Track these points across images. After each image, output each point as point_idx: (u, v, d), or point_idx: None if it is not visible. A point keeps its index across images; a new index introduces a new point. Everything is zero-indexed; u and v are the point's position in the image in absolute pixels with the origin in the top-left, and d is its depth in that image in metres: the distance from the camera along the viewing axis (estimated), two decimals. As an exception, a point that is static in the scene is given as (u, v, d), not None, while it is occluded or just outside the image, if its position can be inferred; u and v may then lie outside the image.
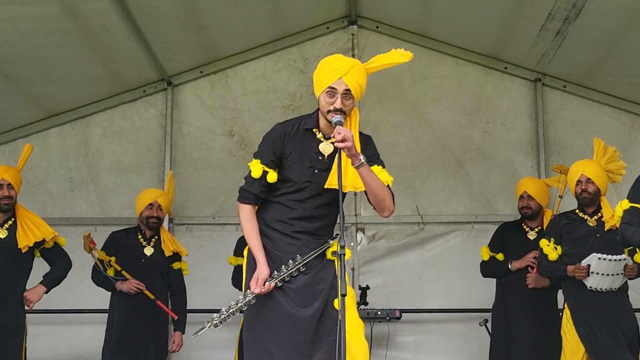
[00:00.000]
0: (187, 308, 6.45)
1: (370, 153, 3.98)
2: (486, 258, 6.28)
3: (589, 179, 5.58)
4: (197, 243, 7.30)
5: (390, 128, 7.49)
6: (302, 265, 3.89)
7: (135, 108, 7.59)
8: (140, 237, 6.22)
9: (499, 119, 7.53)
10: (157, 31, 6.64)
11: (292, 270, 3.87)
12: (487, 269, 6.31)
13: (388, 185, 3.91)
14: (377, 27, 7.53)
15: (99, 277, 6.16)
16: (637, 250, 5.47)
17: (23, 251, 5.47)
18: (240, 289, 6.29)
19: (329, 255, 3.95)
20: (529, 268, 6.00)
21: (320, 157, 3.91)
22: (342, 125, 3.75)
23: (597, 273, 5.33)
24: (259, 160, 3.95)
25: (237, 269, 6.34)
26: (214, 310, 6.71)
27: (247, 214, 3.99)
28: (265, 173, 3.92)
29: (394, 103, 7.55)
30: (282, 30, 7.43)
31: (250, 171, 3.96)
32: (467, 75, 7.57)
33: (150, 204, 6.19)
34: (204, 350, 7.02)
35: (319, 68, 3.92)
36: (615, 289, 5.39)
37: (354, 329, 3.84)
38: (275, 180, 3.93)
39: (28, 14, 5.73)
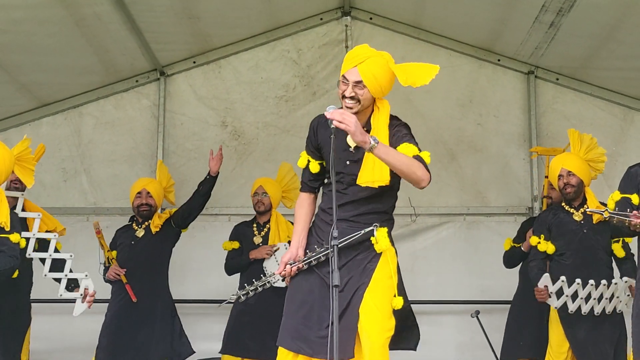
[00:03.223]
0: (181, 298, 6.47)
1: (400, 134, 3.96)
2: (507, 248, 6.32)
3: (569, 171, 5.59)
4: (189, 233, 7.26)
5: (384, 119, 7.47)
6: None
7: (128, 98, 7.57)
8: (134, 224, 6.31)
9: (492, 111, 7.53)
10: (150, 21, 6.62)
11: (317, 256, 3.90)
12: (506, 257, 6.34)
13: (419, 157, 3.85)
14: (371, 18, 7.52)
15: (104, 275, 6.23)
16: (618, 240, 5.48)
17: None
18: (232, 274, 6.34)
19: (376, 247, 3.95)
20: None
21: (349, 149, 3.95)
22: (345, 115, 3.77)
23: (568, 295, 5.30)
24: (305, 151, 4.10)
25: (230, 254, 6.36)
26: (206, 301, 6.78)
27: (299, 201, 4.17)
28: (309, 162, 4.07)
29: (387, 95, 7.53)
30: (276, 20, 7.42)
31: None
32: (460, 68, 7.57)
33: (139, 193, 6.29)
34: (196, 341, 7.01)
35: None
36: (609, 312, 5.36)
37: (373, 318, 3.85)
38: (317, 170, 4.06)
39: (21, 1, 5.71)
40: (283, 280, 4.05)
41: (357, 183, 3.88)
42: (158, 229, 6.24)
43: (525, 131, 7.45)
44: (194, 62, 7.56)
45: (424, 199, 7.39)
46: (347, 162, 3.93)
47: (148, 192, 6.27)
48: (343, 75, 3.87)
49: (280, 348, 3.94)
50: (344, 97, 3.87)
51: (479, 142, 7.49)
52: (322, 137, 4.00)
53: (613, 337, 5.41)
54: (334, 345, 3.48)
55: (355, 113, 3.86)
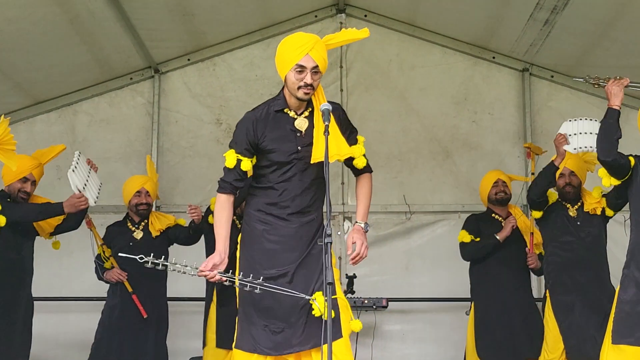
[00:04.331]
0: (174, 296, 6.44)
1: (350, 129, 4.09)
2: (468, 240, 6.23)
3: (572, 172, 5.62)
4: (184, 231, 7.30)
5: (378, 117, 7.49)
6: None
7: (122, 96, 7.56)
8: (129, 224, 6.20)
9: (487, 108, 7.54)
10: (144, 18, 6.62)
11: (244, 283, 3.86)
12: (472, 248, 6.22)
13: (368, 166, 4.16)
14: (366, 15, 7.52)
15: (98, 272, 6.14)
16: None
17: None
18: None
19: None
20: (526, 250, 6.02)
21: (298, 134, 3.97)
22: (329, 112, 3.79)
23: (575, 134, 5.43)
24: (234, 150, 4.01)
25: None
26: (201, 299, 6.77)
27: (220, 202, 4.05)
28: (239, 162, 3.98)
29: (382, 92, 7.56)
30: (271, 18, 7.41)
31: (225, 161, 4.03)
32: (455, 65, 7.58)
33: (138, 192, 6.17)
34: (190, 339, 7.01)
35: (281, 48, 3.97)
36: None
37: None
38: (250, 168, 4.00)
39: (14, 0, 5.69)
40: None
41: (330, 160, 3.83)
42: (159, 234, 6.16)
43: (520, 128, 7.46)
44: (189, 60, 7.55)
45: (419, 197, 7.41)
46: (299, 148, 3.95)
47: (147, 192, 6.18)
48: (298, 64, 3.87)
49: (239, 351, 3.96)
50: (302, 87, 3.88)
51: (473, 139, 7.50)
52: (264, 132, 3.97)
53: (600, 323, 5.42)
54: (328, 339, 3.49)
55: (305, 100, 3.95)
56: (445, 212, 7.42)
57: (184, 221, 6.36)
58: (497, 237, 6.07)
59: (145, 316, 5.95)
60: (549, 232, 5.68)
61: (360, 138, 4.14)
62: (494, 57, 7.51)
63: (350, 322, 3.92)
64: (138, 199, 6.16)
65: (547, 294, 5.65)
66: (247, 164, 3.98)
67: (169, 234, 6.24)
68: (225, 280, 3.87)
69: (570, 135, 5.44)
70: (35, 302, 6.93)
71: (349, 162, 4.13)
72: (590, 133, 5.34)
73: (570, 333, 5.45)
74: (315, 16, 7.55)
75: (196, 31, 7.17)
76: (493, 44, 7.38)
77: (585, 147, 5.39)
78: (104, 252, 6.11)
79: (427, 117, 7.52)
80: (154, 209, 7.22)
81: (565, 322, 5.48)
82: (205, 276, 3.87)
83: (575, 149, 5.44)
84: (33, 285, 5.83)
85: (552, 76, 7.45)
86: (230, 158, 4.00)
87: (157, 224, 6.20)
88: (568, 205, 5.66)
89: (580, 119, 5.37)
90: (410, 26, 7.49)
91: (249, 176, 4.08)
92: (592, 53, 6.80)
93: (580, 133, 5.39)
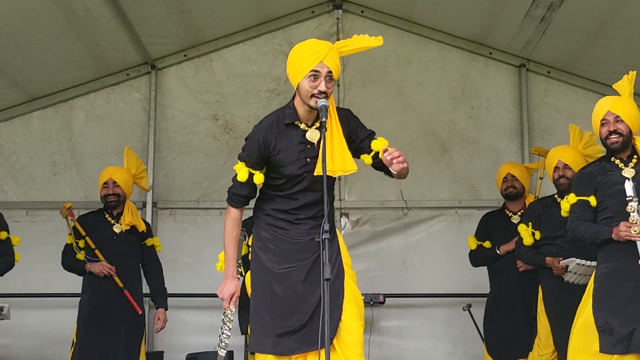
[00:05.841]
0: (172, 292, 6.43)
1: (363, 133, 4.09)
2: (474, 247, 6.27)
3: (566, 164, 5.62)
4: (181, 227, 7.30)
5: (375, 112, 7.48)
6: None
7: (119, 92, 7.55)
8: (107, 216, 6.04)
9: (484, 104, 7.54)
10: (141, 14, 6.60)
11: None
12: (476, 257, 6.30)
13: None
14: (362, 11, 7.51)
15: (69, 261, 5.99)
16: None
17: None
18: None
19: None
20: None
21: (309, 146, 3.93)
22: (326, 109, 3.76)
23: (575, 273, 5.38)
24: (244, 164, 3.97)
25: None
26: (198, 295, 6.79)
27: (233, 219, 4.05)
28: (251, 175, 3.96)
29: (379, 88, 7.55)
30: (267, 14, 7.40)
31: (236, 174, 3.99)
32: (452, 61, 7.57)
33: (105, 183, 6.02)
34: (187, 335, 7.02)
35: (294, 55, 3.92)
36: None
37: (350, 309, 3.99)
38: (262, 181, 3.98)
39: (10, -4, 5.70)
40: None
41: (333, 175, 3.84)
42: (128, 228, 5.98)
43: (517, 124, 7.46)
44: (185, 56, 7.54)
45: (416, 193, 7.40)
46: (308, 160, 3.92)
47: (115, 182, 5.99)
48: (313, 70, 3.81)
49: (259, 354, 3.95)
50: (315, 94, 3.81)
51: (470, 135, 7.50)
52: (275, 146, 3.92)
53: None
54: (325, 336, 3.49)
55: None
56: (442, 208, 7.42)
57: (159, 242, 6.27)
58: (498, 251, 6.12)
59: (140, 312, 5.87)
60: (543, 229, 5.68)
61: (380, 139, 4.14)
62: (490, 53, 7.50)
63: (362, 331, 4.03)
64: (105, 191, 6.01)
65: (540, 289, 5.65)
66: (259, 177, 3.96)
67: (140, 242, 6.12)
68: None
69: (569, 271, 5.40)
70: (32, 298, 6.95)
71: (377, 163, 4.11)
72: (588, 275, 5.32)
73: (560, 329, 5.45)
74: (312, 12, 7.54)
75: (193, 27, 7.16)
76: (490, 40, 7.38)
77: (578, 283, 5.36)
78: (77, 242, 5.94)
79: (424, 112, 7.52)
80: (150, 204, 7.25)
81: (556, 318, 5.48)
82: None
83: (567, 280, 5.43)
84: (30, 282, 5.81)
85: (549, 72, 7.45)
86: (242, 172, 3.95)
87: (129, 217, 6.01)
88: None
89: (589, 265, 5.30)
90: (407, 22, 7.48)
91: (260, 187, 4.07)
92: (588, 50, 6.80)
93: (579, 274, 5.35)
